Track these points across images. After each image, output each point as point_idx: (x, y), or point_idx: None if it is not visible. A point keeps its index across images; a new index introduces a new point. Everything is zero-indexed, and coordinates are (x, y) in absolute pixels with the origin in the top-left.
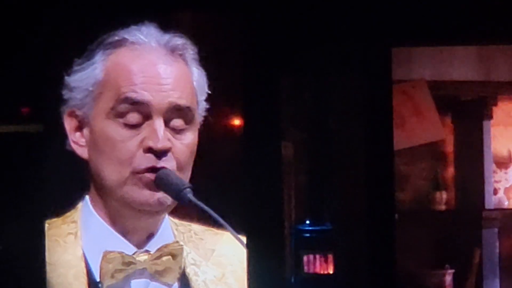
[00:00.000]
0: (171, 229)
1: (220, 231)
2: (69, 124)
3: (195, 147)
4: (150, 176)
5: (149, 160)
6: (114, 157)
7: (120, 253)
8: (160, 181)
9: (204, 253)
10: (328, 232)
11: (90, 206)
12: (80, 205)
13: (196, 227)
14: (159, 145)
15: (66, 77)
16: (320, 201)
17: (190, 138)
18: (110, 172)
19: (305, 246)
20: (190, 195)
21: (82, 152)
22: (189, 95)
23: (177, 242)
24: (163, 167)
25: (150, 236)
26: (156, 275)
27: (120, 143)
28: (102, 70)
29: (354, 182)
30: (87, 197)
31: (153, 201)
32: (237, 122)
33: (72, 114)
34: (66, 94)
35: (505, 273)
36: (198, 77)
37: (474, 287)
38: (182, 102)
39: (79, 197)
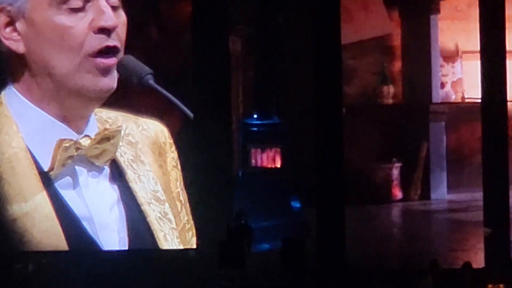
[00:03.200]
0: (93, 114)
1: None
2: None
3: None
4: (105, 61)
5: (101, 41)
6: (65, 44)
7: (72, 140)
8: (122, 66)
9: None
10: (275, 126)
11: (24, 99)
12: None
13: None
14: (110, 22)
15: None
16: (267, 96)
17: (124, 15)
18: (61, 61)
19: (253, 140)
20: (151, 81)
21: (17, 46)
22: None
23: (117, 125)
24: (115, 46)
25: (86, 121)
26: (92, 158)
27: (69, 29)
28: None
29: (301, 77)
30: (12, 90)
31: (106, 88)
32: (186, 18)
33: (1, 10)
34: None
35: (452, 166)
36: None
37: (421, 180)
38: None
39: None
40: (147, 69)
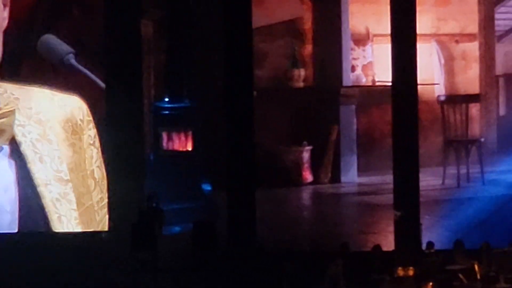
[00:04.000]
0: None
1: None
2: None
3: None
4: None
5: None
6: None
7: None
8: (42, 45)
9: (24, 112)
10: (187, 109)
11: None
12: None
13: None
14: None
15: None
16: (179, 79)
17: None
18: None
19: (164, 123)
20: (73, 60)
21: None
22: None
23: (8, 104)
24: None
25: None
26: None
27: None
28: None
29: (212, 60)
30: None
31: None
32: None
33: None
34: None
35: (362, 149)
36: None
37: (331, 163)
38: None
39: None
40: (68, 48)
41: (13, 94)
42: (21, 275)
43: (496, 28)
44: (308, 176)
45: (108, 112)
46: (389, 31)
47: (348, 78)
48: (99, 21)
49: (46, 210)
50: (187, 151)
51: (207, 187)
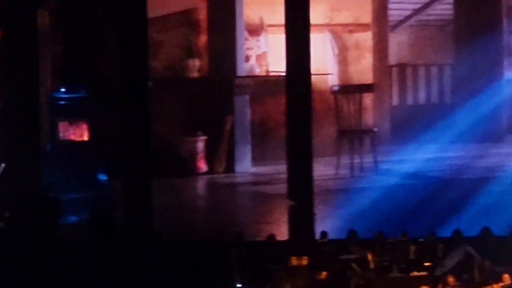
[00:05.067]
0: None
1: None
2: None
3: None
4: None
5: None
6: None
7: None
8: None
9: None
10: (83, 99)
11: None
12: None
13: None
14: None
15: None
16: (75, 69)
17: None
18: None
19: (61, 113)
20: None
21: None
22: None
23: None
24: None
25: None
26: None
27: None
28: None
29: (108, 50)
30: None
31: None
32: None
33: None
34: None
35: (256, 139)
36: None
37: (226, 153)
38: None
39: None
40: None
41: None
42: None
43: (390, 18)
44: (203, 166)
45: (5, 102)
46: (283, 21)
47: (242, 68)
48: None
49: None
50: (84, 141)
51: (103, 176)
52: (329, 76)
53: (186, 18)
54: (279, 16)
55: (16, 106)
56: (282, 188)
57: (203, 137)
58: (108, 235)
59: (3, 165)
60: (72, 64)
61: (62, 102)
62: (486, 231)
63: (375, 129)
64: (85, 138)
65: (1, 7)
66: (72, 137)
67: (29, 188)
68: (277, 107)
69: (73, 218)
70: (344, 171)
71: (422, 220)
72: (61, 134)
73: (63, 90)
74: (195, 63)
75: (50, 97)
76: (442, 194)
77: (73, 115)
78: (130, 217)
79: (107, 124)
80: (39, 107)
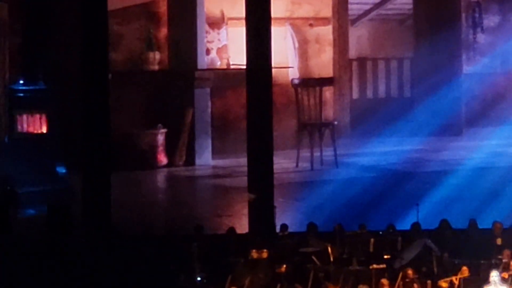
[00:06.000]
0: None
1: None
2: None
3: None
4: None
5: None
6: None
7: None
8: None
9: None
10: (42, 91)
11: None
12: None
13: None
14: None
15: None
16: (34, 61)
17: None
18: None
19: (19, 105)
20: None
21: None
22: None
23: None
24: None
25: None
26: None
27: None
28: None
29: (68, 42)
30: None
31: None
32: None
33: None
34: None
35: (217, 132)
36: None
37: (186, 146)
38: None
39: None
40: None
41: None
42: None
43: (350, 12)
44: (163, 159)
45: None
46: (243, 14)
47: (203, 61)
48: None
49: None
50: (42, 133)
51: (62, 169)
52: (290, 69)
53: (147, 10)
54: (240, 9)
55: None
56: (243, 181)
57: (163, 130)
58: (66, 228)
59: None
60: (31, 56)
61: (21, 94)
62: (444, 224)
63: (335, 122)
64: (44, 130)
65: None
66: (31, 130)
67: None
68: (238, 100)
69: (31, 211)
70: (305, 164)
71: (381, 213)
72: (19, 127)
73: (21, 82)
74: (156, 55)
75: (8, 89)
76: (401, 187)
77: (32, 107)
78: (88, 211)
79: (67, 117)
80: None
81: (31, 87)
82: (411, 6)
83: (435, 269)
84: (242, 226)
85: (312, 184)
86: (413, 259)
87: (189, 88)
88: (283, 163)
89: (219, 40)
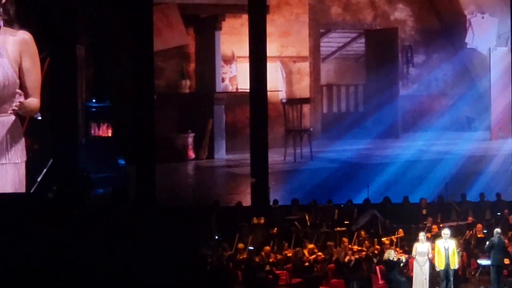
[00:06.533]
0: None
1: None
2: None
3: None
4: None
5: None
6: None
7: None
8: None
9: None
10: (108, 107)
11: None
12: None
13: None
14: None
15: None
16: (102, 86)
17: None
18: None
19: (92, 117)
20: None
21: None
22: None
23: None
24: None
25: None
26: None
27: None
28: None
29: (126, 73)
30: None
31: None
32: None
33: None
34: None
35: (229, 135)
36: None
37: (208, 146)
38: None
39: None
40: None
41: None
42: None
43: (321, 53)
44: (192, 155)
45: (50, 112)
46: (247, 54)
47: (220, 86)
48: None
49: None
50: (108, 137)
51: (121, 161)
52: (280, 92)
53: (181, 51)
54: (245, 50)
55: (58, 112)
56: (247, 169)
57: (192, 134)
58: (124, 202)
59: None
60: (100, 83)
61: (93, 109)
62: (386, 199)
63: (311, 129)
64: (109, 134)
65: (51, 43)
66: (100, 134)
67: (69, 170)
68: (244, 113)
69: (100, 191)
70: (290, 158)
71: (343, 192)
72: (92, 132)
73: (94, 100)
74: (187, 82)
75: (84, 106)
76: (356, 174)
77: (101, 119)
78: (140, 191)
79: (125, 125)
80: (77, 113)
81: (100, 104)
82: (363, 49)
83: (380, 231)
84: (247, 201)
85: (295, 172)
86: (365, 224)
87: (209, 105)
88: (274, 157)
89: (230, 71)
